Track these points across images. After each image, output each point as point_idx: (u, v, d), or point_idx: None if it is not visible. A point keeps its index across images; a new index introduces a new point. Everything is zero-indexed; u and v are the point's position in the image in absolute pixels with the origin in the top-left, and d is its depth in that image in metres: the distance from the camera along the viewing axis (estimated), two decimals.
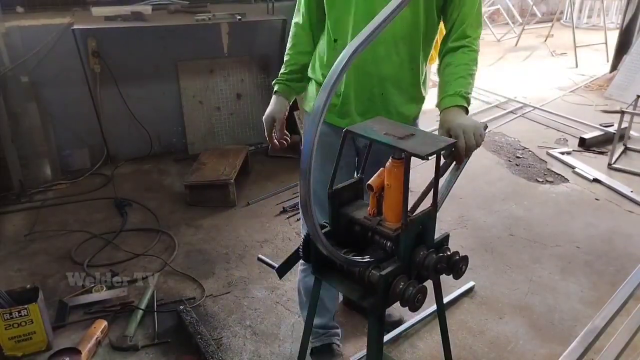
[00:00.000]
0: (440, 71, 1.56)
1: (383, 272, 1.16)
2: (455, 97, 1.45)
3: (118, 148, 3.80)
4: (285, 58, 1.77)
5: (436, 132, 1.43)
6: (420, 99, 1.71)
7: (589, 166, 3.71)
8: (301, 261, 1.94)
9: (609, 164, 3.73)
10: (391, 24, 0.94)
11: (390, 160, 1.20)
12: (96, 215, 3.14)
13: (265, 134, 1.74)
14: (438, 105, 1.51)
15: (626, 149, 3.99)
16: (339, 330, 2.08)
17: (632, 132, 4.10)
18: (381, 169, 1.25)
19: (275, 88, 1.75)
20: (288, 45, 1.77)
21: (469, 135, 1.35)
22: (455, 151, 1.36)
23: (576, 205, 3.27)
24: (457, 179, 1.40)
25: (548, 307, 2.37)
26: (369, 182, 1.26)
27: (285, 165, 3.74)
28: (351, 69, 1.52)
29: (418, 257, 1.22)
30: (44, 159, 3.45)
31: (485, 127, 1.44)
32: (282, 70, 1.76)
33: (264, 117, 1.73)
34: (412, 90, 1.65)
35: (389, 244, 1.23)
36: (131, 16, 3.37)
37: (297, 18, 1.73)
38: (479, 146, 1.37)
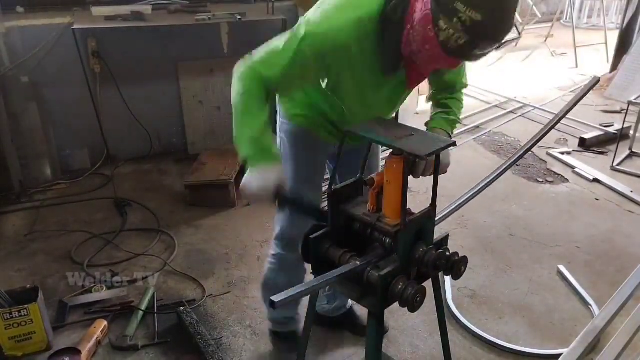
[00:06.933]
0: (434, 101, 1.69)
1: (382, 273, 1.16)
2: (444, 122, 1.61)
3: (118, 148, 3.80)
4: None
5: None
6: None
7: (589, 166, 3.71)
8: (271, 252, 1.99)
9: (612, 166, 3.70)
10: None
11: (389, 156, 1.20)
12: (96, 215, 3.14)
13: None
14: (428, 123, 1.64)
15: (632, 153, 3.93)
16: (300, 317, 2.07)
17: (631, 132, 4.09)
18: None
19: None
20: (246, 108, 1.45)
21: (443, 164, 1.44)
22: (419, 166, 1.43)
23: (576, 205, 3.27)
24: None
25: (548, 307, 2.37)
26: (369, 176, 1.26)
27: None
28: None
29: (417, 253, 1.22)
30: (44, 159, 3.45)
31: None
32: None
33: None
34: None
35: (388, 240, 1.24)
36: (131, 16, 3.37)
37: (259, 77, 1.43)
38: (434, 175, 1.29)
